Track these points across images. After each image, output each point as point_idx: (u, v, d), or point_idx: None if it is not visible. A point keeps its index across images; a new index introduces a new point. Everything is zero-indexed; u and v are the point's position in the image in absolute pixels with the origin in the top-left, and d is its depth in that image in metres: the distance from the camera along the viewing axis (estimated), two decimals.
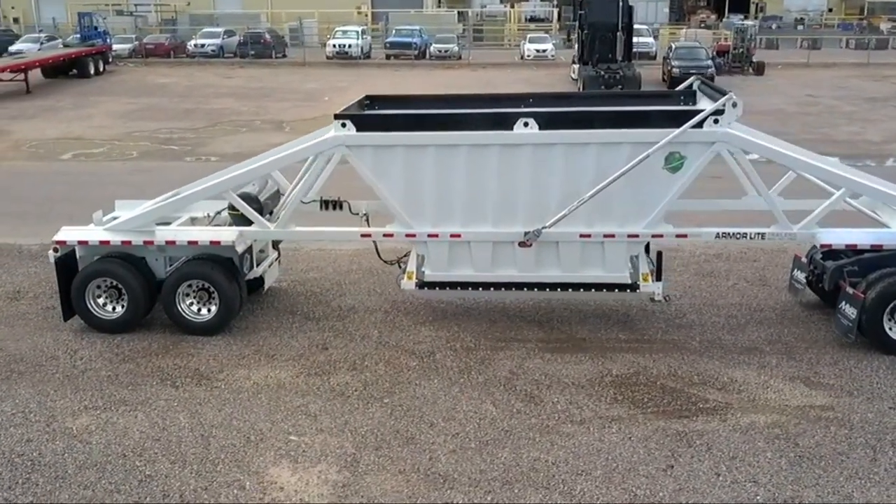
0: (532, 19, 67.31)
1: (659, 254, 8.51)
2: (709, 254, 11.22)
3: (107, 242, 8.46)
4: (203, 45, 46.51)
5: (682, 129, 7.55)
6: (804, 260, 9.07)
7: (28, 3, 67.86)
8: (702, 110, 7.87)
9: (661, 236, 8.18)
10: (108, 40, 42.92)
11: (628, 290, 8.33)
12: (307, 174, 8.35)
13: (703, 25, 64.13)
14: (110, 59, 41.55)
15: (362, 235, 8.57)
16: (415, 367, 7.79)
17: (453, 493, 5.82)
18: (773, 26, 63.14)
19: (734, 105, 7.71)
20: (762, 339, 8.37)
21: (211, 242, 8.34)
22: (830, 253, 8.55)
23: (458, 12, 61.31)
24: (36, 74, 35.34)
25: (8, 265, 10.96)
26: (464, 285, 8.52)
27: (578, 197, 7.78)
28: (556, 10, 66.53)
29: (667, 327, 8.69)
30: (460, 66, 43.70)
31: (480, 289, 8.54)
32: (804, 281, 9.07)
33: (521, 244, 8.12)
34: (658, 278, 8.47)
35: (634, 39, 38.96)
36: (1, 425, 6.75)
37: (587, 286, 8.36)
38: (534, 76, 38.21)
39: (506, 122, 7.84)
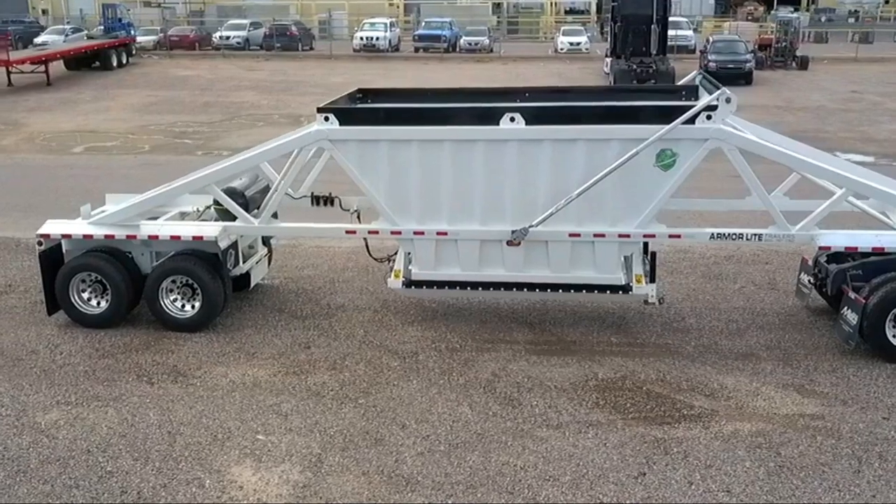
0: (570, 11, 67.12)
1: (653, 255, 8.49)
2: (719, 256, 11.15)
3: (90, 236, 8.65)
4: (228, 38, 47.12)
5: (672, 125, 7.52)
6: (811, 263, 8.99)
7: None
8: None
9: (654, 236, 8.15)
10: (131, 32, 43.61)
11: (620, 292, 8.31)
12: (290, 169, 8.44)
13: (750, 18, 63.47)
14: (134, 52, 42.29)
15: (347, 232, 8.65)
16: (395, 368, 7.86)
17: (414, 495, 5.88)
18: (823, 19, 62.20)
19: (728, 100, 7.65)
20: (760, 344, 8.31)
21: (193, 237, 8.49)
22: (836, 256, 8.47)
23: (493, 3, 61.34)
24: (59, 67, 36.16)
25: (3, 258, 11.24)
26: (451, 285, 8.57)
27: (567, 195, 7.79)
28: (595, 1, 66.20)
29: (662, 331, 8.67)
30: (490, 59, 43.72)
31: (469, 288, 8.59)
32: (811, 285, 8.97)
33: (509, 243, 8.14)
34: (652, 280, 8.45)
35: (672, 32, 38.72)
36: None
37: (578, 287, 8.36)
38: (566, 70, 38.12)
39: (491, 117, 7.86)
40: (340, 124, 8.06)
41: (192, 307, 8.64)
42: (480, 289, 8.57)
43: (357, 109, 8.73)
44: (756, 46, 38.64)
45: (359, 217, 9.33)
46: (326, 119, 8.08)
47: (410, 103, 9.20)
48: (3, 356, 8.16)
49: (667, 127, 7.53)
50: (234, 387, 7.50)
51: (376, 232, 8.48)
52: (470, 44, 46.07)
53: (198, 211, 9.42)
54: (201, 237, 8.47)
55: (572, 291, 8.42)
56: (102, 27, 43.94)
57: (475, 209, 8.16)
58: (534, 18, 60.86)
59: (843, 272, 8.16)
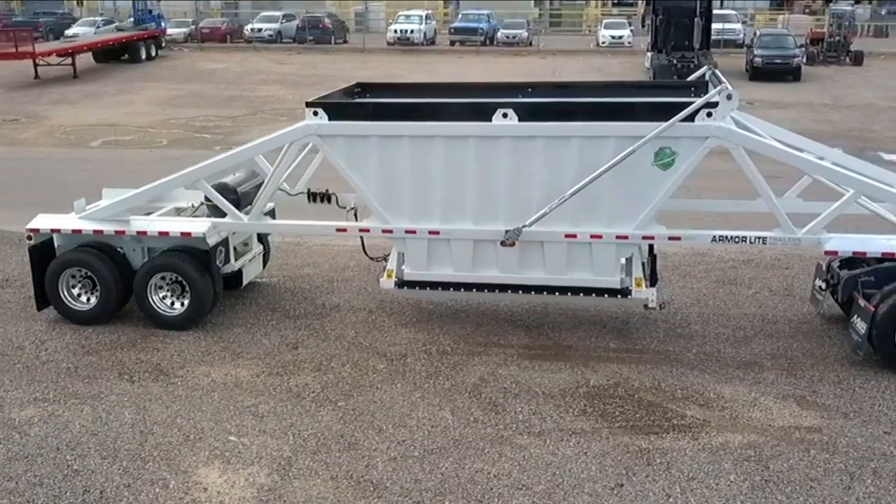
0: (617, 3, 66.61)
1: (653, 257, 8.43)
2: (738, 260, 11.02)
3: (79, 231, 8.82)
4: (260, 30, 47.60)
5: (669, 122, 7.46)
6: (825, 268, 8.85)
7: None
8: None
9: (653, 238, 8.10)
10: (161, 24, 44.28)
11: (619, 296, 8.26)
12: (280, 165, 8.53)
13: (807, 11, 62.43)
14: (164, 44, 42.89)
15: (338, 230, 8.72)
16: (381, 370, 7.91)
17: (380, 501, 5.91)
18: (884, 12, 61.01)
19: (729, 97, 7.56)
20: (766, 353, 8.21)
21: (182, 234, 8.61)
22: (849, 261, 8.33)
23: None
24: (87, 59, 36.85)
25: (4, 253, 11.51)
26: (445, 286, 8.59)
27: (562, 194, 7.76)
28: None
29: (664, 337, 8.60)
30: (528, 53, 43.63)
31: (462, 290, 8.60)
32: (824, 292, 8.84)
33: (503, 243, 8.14)
34: (652, 283, 8.39)
35: (719, 26, 38.34)
36: None
37: (574, 290, 8.33)
38: (606, 65, 37.90)
39: (484, 113, 7.87)
40: (330, 119, 8.13)
41: (182, 304, 8.77)
42: (474, 290, 8.58)
43: (346, 104, 8.79)
44: (807, 41, 38.08)
45: (356, 215, 9.41)
46: (315, 114, 8.15)
47: (408, 98, 9.23)
48: None
49: (664, 124, 7.48)
50: (215, 386, 7.61)
51: (367, 230, 8.54)
52: (507, 37, 45.99)
53: (193, 207, 9.57)
54: (189, 234, 8.59)
55: (569, 294, 8.38)
56: (132, 19, 44.65)
57: (468, 208, 8.17)
58: (578, 10, 60.58)
59: (854, 278, 8.04)
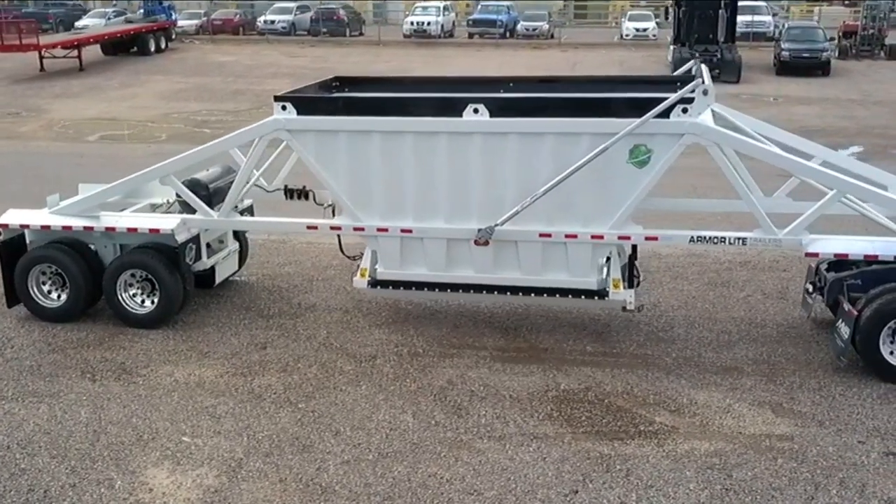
0: None
1: (630, 258, 8.44)
2: (734, 261, 11.00)
3: (48, 227, 8.96)
4: (273, 22, 47.94)
5: (643, 119, 7.47)
6: (814, 271, 8.82)
7: None
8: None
9: (629, 238, 8.11)
10: (171, 16, 44.68)
11: (595, 297, 8.29)
12: (250, 160, 8.62)
13: (846, 2, 61.89)
14: (174, 36, 43.30)
15: (308, 227, 8.80)
16: (348, 372, 7.98)
17: None
18: None
19: (705, 93, 7.56)
20: (748, 358, 8.20)
21: (150, 230, 8.74)
22: (837, 264, 8.30)
23: None
24: (95, 52, 37.24)
25: None
26: (419, 285, 8.65)
27: (536, 192, 7.79)
28: None
29: (644, 340, 8.61)
30: (549, 45, 43.62)
31: (437, 290, 8.65)
32: (813, 295, 8.80)
33: (476, 242, 8.18)
34: (630, 285, 8.40)
35: (748, 18, 38.08)
36: None
37: (550, 291, 8.36)
38: (629, 58, 37.82)
39: (454, 108, 7.92)
40: (298, 114, 8.21)
41: (152, 302, 8.89)
42: (449, 291, 8.63)
43: (316, 98, 8.86)
44: (840, 34, 37.73)
45: (333, 212, 9.48)
46: (284, 108, 8.23)
47: (386, 93, 9.30)
48: None
49: (637, 121, 7.49)
50: (177, 386, 7.72)
51: (339, 228, 8.62)
52: (528, 29, 46.01)
53: (168, 203, 9.69)
54: (158, 230, 8.71)
55: (545, 296, 8.41)
56: (142, 10, 45.10)
57: (440, 206, 8.22)
58: (603, 2, 60.38)
59: (839, 281, 8.01)
